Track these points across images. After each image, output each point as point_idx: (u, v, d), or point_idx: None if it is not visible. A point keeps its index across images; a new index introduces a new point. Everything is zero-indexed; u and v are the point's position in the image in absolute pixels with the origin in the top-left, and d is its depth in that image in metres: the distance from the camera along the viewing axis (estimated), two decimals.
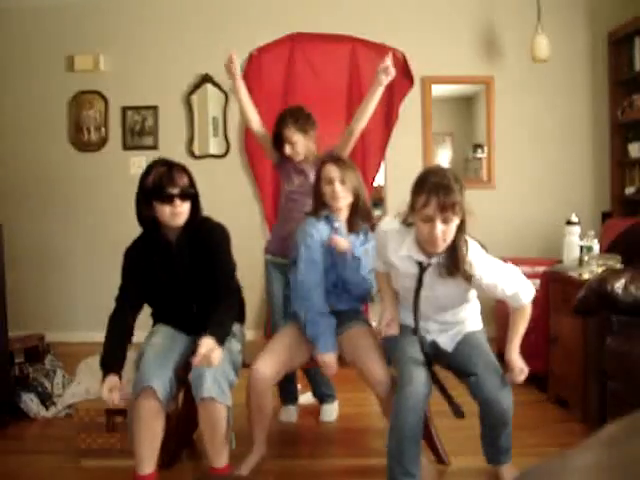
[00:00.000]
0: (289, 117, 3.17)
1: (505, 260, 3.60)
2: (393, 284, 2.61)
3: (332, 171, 2.79)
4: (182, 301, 2.66)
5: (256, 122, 3.35)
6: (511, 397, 2.41)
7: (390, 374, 2.58)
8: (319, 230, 2.79)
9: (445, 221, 2.23)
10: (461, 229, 2.31)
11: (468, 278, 2.34)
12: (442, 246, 2.29)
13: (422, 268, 2.38)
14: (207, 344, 2.35)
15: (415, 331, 2.48)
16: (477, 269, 2.34)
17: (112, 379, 2.42)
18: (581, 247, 3.55)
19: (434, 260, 2.36)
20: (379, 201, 5.44)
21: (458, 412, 2.45)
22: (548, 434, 3.08)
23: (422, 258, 2.37)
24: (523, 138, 5.20)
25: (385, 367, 2.60)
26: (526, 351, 3.80)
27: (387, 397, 2.54)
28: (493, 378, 2.39)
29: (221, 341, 2.42)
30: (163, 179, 2.47)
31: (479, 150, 5.37)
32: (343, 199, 2.80)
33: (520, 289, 2.44)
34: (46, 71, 5.28)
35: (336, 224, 2.82)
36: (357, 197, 2.84)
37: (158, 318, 2.78)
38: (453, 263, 2.32)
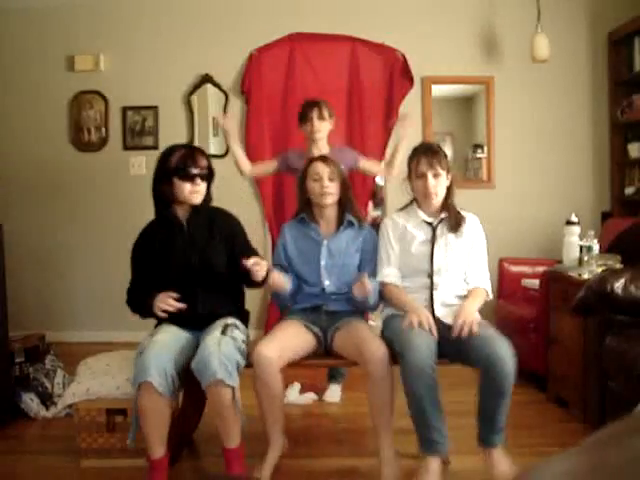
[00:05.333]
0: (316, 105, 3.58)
1: (504, 260, 3.86)
2: (405, 265, 2.76)
3: (319, 167, 2.86)
4: (189, 286, 2.69)
5: (248, 169, 3.80)
6: (514, 364, 2.42)
7: (387, 351, 2.54)
8: (295, 235, 2.94)
9: (435, 176, 2.70)
10: (450, 192, 2.78)
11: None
12: (435, 199, 2.74)
13: (433, 228, 2.75)
14: (253, 259, 2.58)
15: (431, 296, 2.69)
16: (471, 226, 2.79)
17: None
18: (581, 247, 3.55)
19: (440, 217, 2.76)
20: (379, 201, 5.45)
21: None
22: (548, 434, 3.08)
23: (430, 219, 2.77)
24: (523, 138, 5.21)
25: (382, 343, 2.56)
26: (525, 351, 3.83)
27: (381, 375, 2.51)
28: (500, 339, 2.47)
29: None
30: (187, 159, 2.68)
31: (479, 150, 5.37)
32: (330, 196, 2.86)
33: (486, 279, 2.80)
34: (46, 71, 5.28)
35: (312, 226, 2.91)
36: (344, 194, 2.90)
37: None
38: (454, 217, 2.76)
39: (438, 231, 2.75)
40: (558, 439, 2.99)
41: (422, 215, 2.77)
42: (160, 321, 2.77)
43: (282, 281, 2.71)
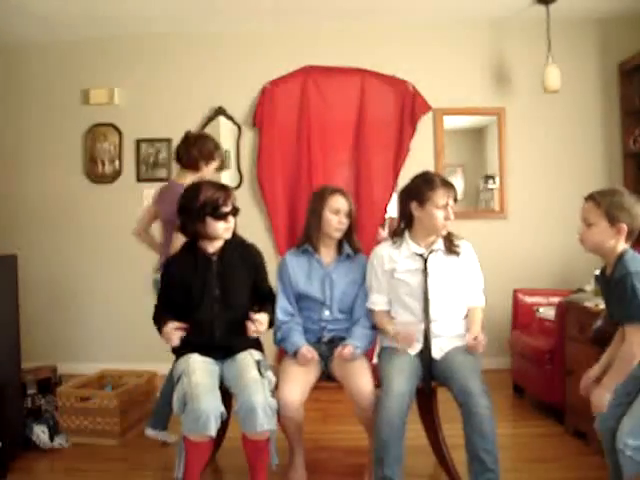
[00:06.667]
0: None
1: (519, 291, 3.87)
2: (397, 298, 2.84)
3: (342, 203, 2.95)
4: (208, 316, 2.74)
5: None
6: (491, 404, 2.51)
7: (375, 390, 2.66)
8: (297, 264, 2.98)
9: (450, 208, 2.79)
10: None
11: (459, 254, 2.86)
12: (445, 230, 2.81)
13: (424, 259, 2.79)
14: (260, 315, 2.73)
15: (426, 328, 2.76)
16: (465, 251, 2.88)
17: (173, 323, 2.69)
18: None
19: (432, 248, 2.82)
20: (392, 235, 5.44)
21: None
22: (567, 467, 3.02)
23: (422, 251, 2.82)
24: (535, 168, 5.20)
25: (371, 382, 2.68)
26: (542, 383, 3.77)
27: (370, 412, 2.62)
28: (475, 380, 2.57)
29: (270, 322, 2.82)
30: (219, 199, 2.73)
31: (490, 181, 5.37)
32: (342, 231, 2.97)
33: (481, 293, 2.92)
34: (62, 104, 5.36)
35: (316, 257, 2.98)
36: (350, 226, 2.99)
37: (182, 344, 2.76)
38: (449, 242, 2.84)
39: (429, 262, 2.81)
40: (577, 472, 2.94)
41: (413, 247, 2.83)
42: (178, 349, 2.77)
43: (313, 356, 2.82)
